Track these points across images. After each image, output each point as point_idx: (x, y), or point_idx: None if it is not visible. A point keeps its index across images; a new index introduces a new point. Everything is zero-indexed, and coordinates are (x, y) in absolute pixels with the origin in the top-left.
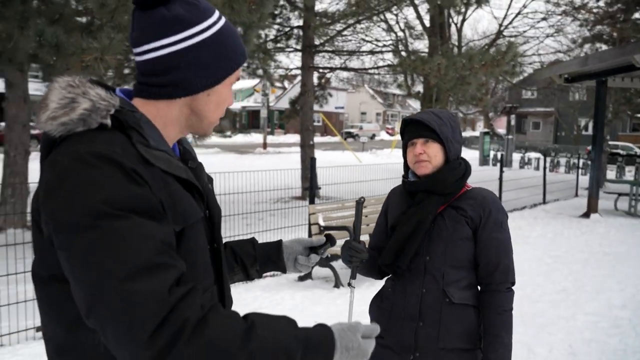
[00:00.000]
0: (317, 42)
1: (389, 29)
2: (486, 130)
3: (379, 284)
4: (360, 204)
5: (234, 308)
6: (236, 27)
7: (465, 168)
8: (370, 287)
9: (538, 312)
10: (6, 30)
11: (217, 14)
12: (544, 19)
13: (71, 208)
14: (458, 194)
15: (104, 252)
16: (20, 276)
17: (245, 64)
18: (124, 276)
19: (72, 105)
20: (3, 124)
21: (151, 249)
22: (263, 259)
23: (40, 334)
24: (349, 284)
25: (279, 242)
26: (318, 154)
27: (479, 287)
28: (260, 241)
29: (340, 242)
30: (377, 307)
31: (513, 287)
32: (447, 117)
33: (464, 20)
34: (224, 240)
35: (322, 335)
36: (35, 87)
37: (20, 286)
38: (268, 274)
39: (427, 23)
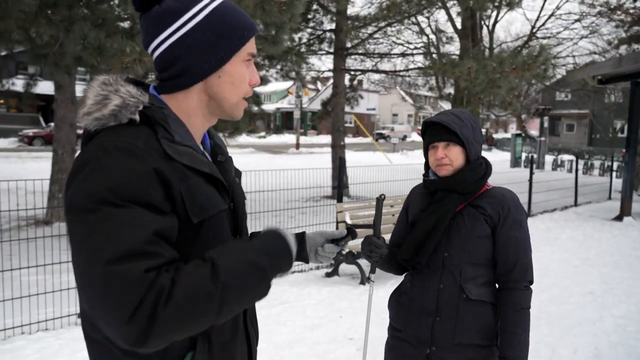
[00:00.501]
0: (348, 44)
1: (421, 32)
2: (518, 132)
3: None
4: (380, 201)
5: (262, 301)
6: (269, 28)
7: (485, 168)
8: (394, 284)
9: (564, 313)
10: (54, 34)
11: None
12: (578, 20)
13: (81, 191)
14: (478, 192)
15: (98, 235)
16: (64, 266)
17: (278, 66)
18: (110, 259)
19: (105, 102)
20: (52, 124)
21: (142, 238)
22: None
23: (80, 320)
24: (368, 278)
25: (302, 233)
26: (349, 155)
27: (497, 285)
28: None
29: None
30: (396, 301)
31: (531, 286)
32: (468, 117)
33: (496, 22)
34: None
35: (272, 234)
36: (82, 89)
37: (64, 275)
38: (296, 269)
39: (459, 25)
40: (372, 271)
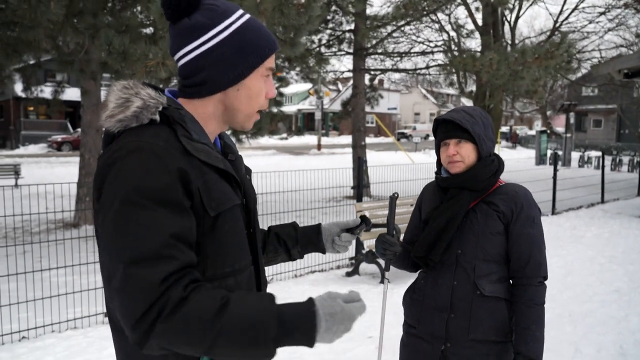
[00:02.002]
0: (368, 44)
1: (441, 29)
2: (543, 128)
3: None
4: (393, 199)
5: (282, 300)
6: (287, 31)
7: (497, 165)
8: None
9: (588, 312)
10: (80, 41)
11: (237, 13)
12: (603, 13)
13: (109, 190)
14: (490, 189)
15: (121, 236)
16: (91, 267)
17: (298, 68)
18: (130, 260)
19: (127, 104)
20: (79, 129)
21: (160, 241)
22: (304, 240)
23: (107, 319)
24: (382, 276)
25: (318, 225)
26: (371, 155)
27: (511, 281)
28: None
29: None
30: (410, 298)
31: (545, 282)
32: (479, 114)
33: (517, 17)
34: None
35: (302, 308)
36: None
37: (91, 276)
38: (317, 269)
39: (480, 22)
40: (387, 269)
